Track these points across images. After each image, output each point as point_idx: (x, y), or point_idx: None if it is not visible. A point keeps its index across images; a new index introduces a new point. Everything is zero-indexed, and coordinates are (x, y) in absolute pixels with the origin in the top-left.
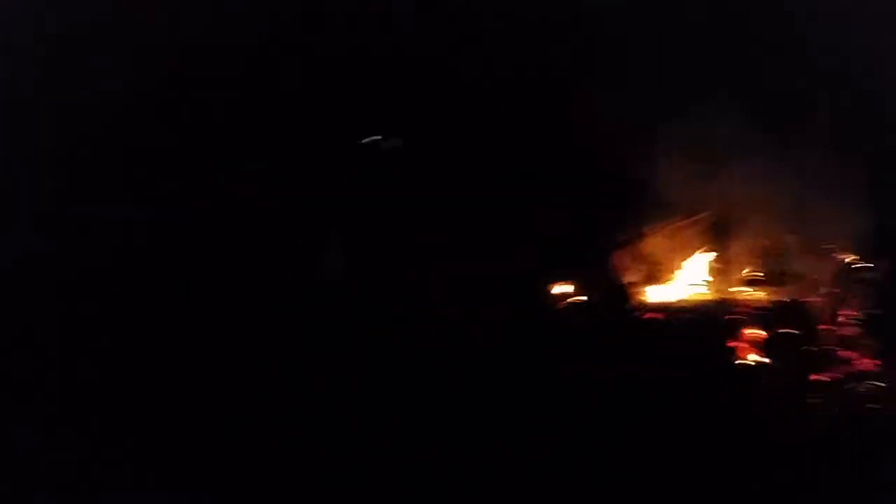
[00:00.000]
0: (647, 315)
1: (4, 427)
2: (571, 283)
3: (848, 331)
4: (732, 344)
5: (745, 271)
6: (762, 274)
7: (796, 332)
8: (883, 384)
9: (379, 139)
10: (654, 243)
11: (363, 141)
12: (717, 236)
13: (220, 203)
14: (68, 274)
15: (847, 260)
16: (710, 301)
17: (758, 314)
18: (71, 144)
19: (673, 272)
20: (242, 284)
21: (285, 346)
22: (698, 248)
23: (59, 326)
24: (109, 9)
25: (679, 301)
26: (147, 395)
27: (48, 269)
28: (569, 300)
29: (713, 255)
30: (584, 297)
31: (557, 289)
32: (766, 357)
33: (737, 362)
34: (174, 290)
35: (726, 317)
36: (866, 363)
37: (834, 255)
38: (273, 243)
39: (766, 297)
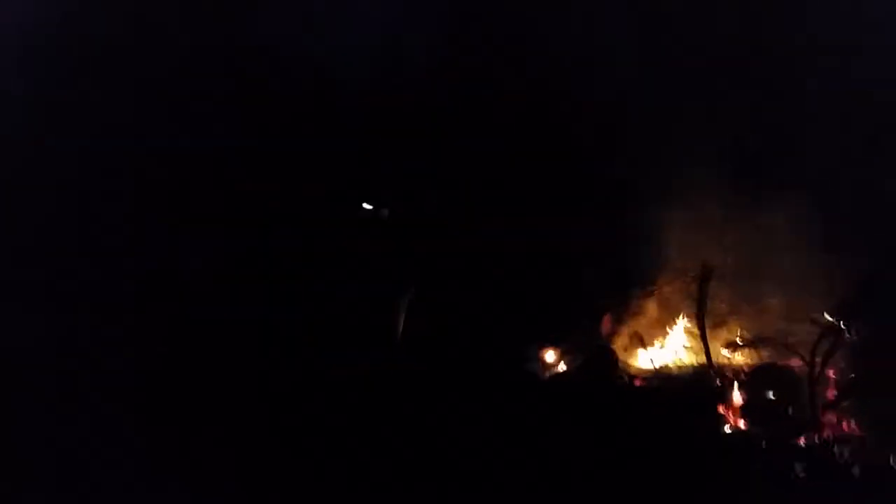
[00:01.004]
0: (629, 380)
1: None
2: (556, 349)
3: (830, 394)
4: (714, 410)
5: (727, 336)
6: (743, 339)
7: (778, 396)
8: (866, 447)
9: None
10: (636, 307)
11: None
12: (699, 301)
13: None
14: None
15: (828, 323)
16: (691, 367)
17: (739, 379)
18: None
19: (654, 336)
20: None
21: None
22: (679, 313)
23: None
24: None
25: (660, 367)
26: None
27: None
28: (556, 365)
29: (694, 319)
30: (572, 362)
31: (546, 354)
32: (748, 422)
33: (718, 428)
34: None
35: (707, 382)
36: (850, 427)
37: (815, 318)
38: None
39: (747, 361)
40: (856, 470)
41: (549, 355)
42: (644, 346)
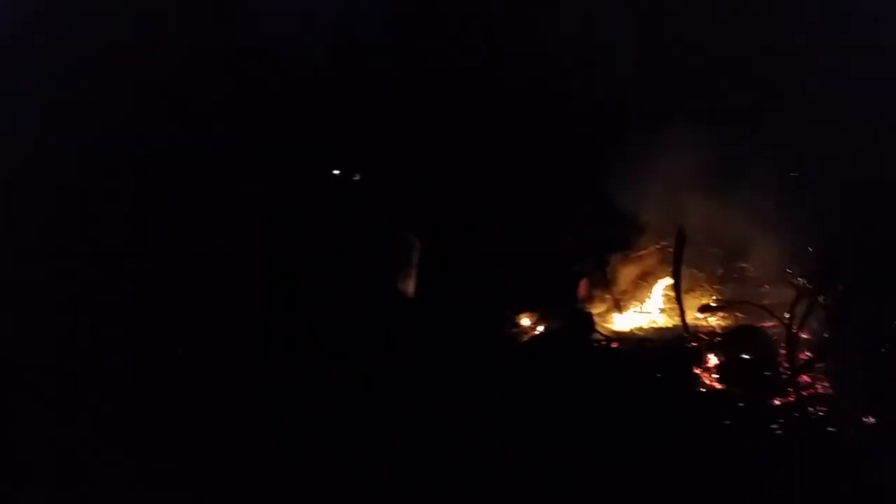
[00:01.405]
0: (606, 343)
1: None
2: (534, 312)
3: (805, 355)
4: (690, 371)
5: (703, 299)
6: (718, 301)
7: (753, 357)
8: (841, 408)
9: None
10: (614, 271)
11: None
12: (674, 264)
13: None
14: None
15: (802, 284)
16: (668, 329)
17: (716, 341)
18: None
19: (631, 300)
20: None
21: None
22: (656, 276)
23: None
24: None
25: (637, 329)
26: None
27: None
28: (531, 329)
29: (670, 282)
30: (549, 326)
31: (523, 319)
32: (724, 383)
33: (695, 389)
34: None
35: (683, 344)
36: (823, 387)
37: (789, 280)
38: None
39: (723, 323)
40: (829, 429)
41: (526, 319)
42: (620, 310)
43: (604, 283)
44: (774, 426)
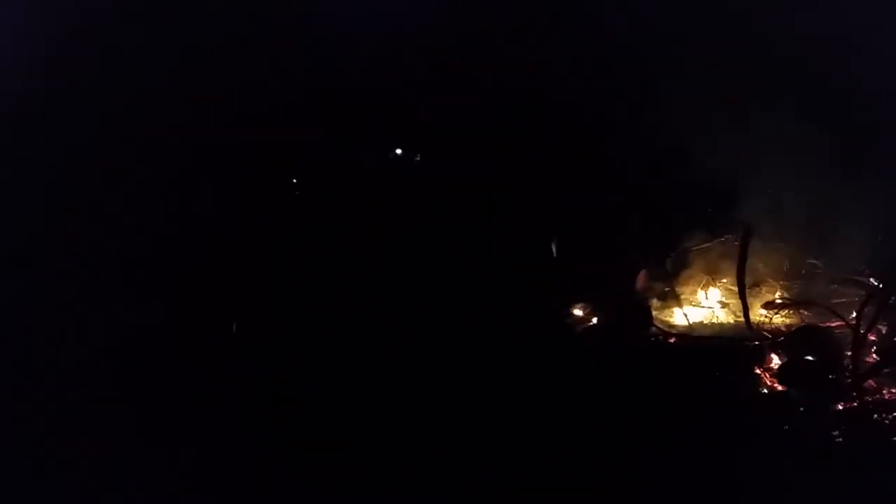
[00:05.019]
0: (664, 338)
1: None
2: (592, 304)
3: (873, 359)
4: (753, 370)
5: (767, 296)
6: (783, 298)
7: (817, 359)
8: None
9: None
10: (676, 265)
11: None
12: (739, 259)
13: None
14: None
15: (873, 286)
16: (729, 326)
17: (780, 341)
18: None
19: (694, 295)
20: None
21: None
22: (719, 270)
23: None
24: None
25: (699, 325)
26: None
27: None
28: (590, 321)
29: (735, 278)
30: (605, 318)
31: (578, 310)
32: (788, 385)
33: (758, 390)
34: None
35: (747, 343)
36: (891, 393)
37: (860, 280)
38: None
39: (789, 322)
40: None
41: (583, 310)
42: (680, 304)
43: (664, 275)
44: (836, 433)
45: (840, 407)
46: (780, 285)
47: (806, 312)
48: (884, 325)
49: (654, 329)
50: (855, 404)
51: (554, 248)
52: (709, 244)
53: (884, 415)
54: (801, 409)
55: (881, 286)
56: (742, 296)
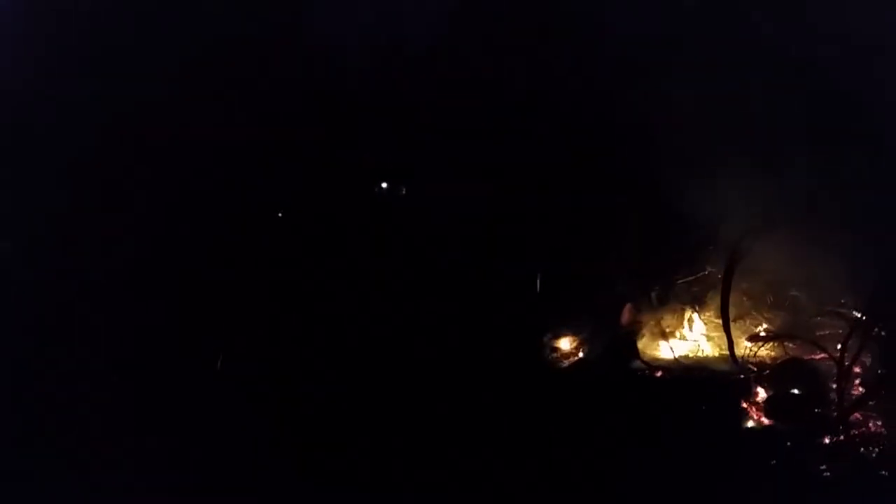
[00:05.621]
0: (650, 371)
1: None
2: (577, 337)
3: (858, 392)
4: (739, 404)
5: (751, 329)
6: (767, 331)
7: (803, 392)
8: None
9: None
10: (661, 298)
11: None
12: (723, 292)
13: None
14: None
15: (857, 318)
16: (714, 359)
17: (765, 374)
18: None
19: (677, 327)
20: None
21: None
22: (704, 303)
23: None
24: None
25: (685, 358)
26: None
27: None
28: (573, 354)
29: (718, 311)
30: (589, 351)
31: (565, 343)
32: (774, 418)
33: (744, 423)
34: None
35: (733, 376)
36: (877, 426)
37: (843, 313)
38: None
39: (774, 355)
40: (882, 472)
41: (568, 343)
42: (665, 337)
43: (649, 308)
44: (823, 467)
45: (826, 440)
46: (765, 317)
47: (790, 345)
48: (868, 357)
49: (639, 362)
50: (841, 437)
51: (538, 284)
52: (693, 277)
53: (869, 448)
54: (788, 442)
55: (864, 318)
56: (727, 328)
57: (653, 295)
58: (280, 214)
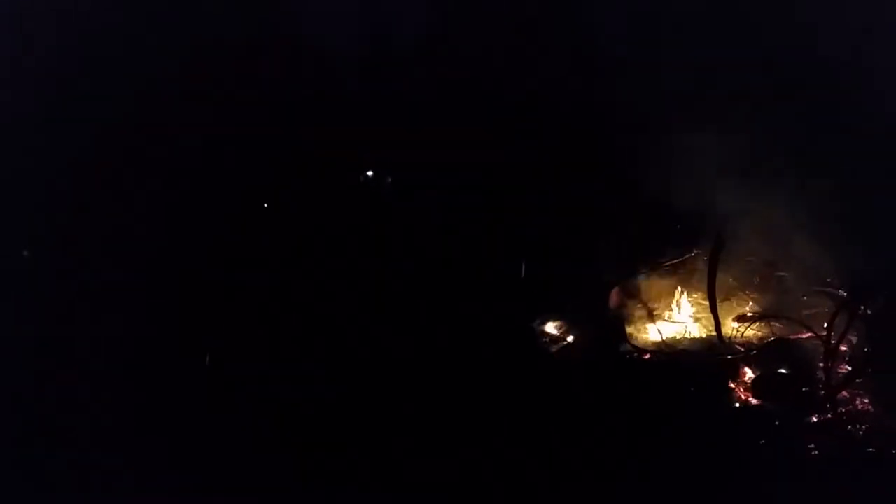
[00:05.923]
0: (638, 354)
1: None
2: (562, 321)
3: (845, 370)
4: (727, 385)
5: (738, 309)
6: (754, 311)
7: (792, 372)
8: (882, 425)
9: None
10: (646, 281)
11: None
12: (709, 273)
13: None
14: None
15: (842, 297)
16: (702, 340)
17: (752, 354)
18: None
19: (664, 310)
20: None
21: None
22: (690, 285)
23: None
24: None
25: (672, 340)
26: None
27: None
28: (564, 340)
29: (705, 292)
30: (578, 335)
31: (552, 328)
32: (762, 398)
33: (732, 404)
34: None
35: (720, 357)
36: (864, 403)
37: (829, 292)
38: None
39: (761, 335)
40: (870, 449)
41: (556, 328)
42: (653, 320)
43: (636, 291)
44: (812, 445)
45: (814, 419)
46: (751, 298)
47: (777, 325)
48: (854, 335)
49: (627, 346)
50: (829, 416)
51: (522, 269)
52: (679, 259)
53: (857, 426)
54: (776, 421)
55: (850, 297)
56: (713, 310)
57: (640, 277)
58: (265, 205)
